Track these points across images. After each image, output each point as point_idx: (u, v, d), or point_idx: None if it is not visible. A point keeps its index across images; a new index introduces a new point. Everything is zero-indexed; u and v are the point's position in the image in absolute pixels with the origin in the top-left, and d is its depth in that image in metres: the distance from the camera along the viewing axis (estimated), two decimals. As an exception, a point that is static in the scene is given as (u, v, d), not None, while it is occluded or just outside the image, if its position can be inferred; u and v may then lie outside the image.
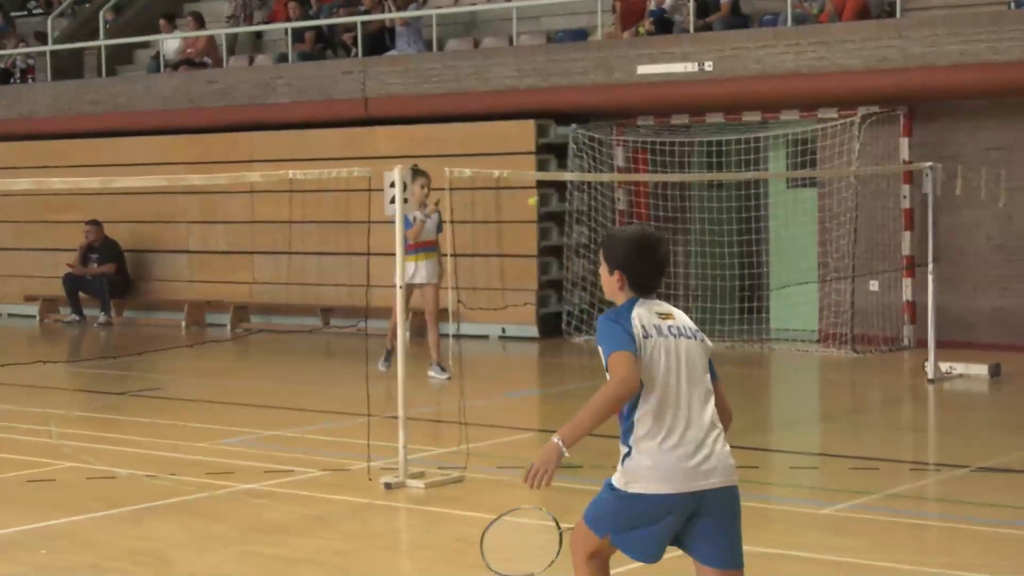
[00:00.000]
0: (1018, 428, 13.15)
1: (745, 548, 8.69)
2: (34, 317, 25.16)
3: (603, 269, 5.99)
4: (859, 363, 17.65)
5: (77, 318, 24.18)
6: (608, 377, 5.73)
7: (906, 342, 18.53)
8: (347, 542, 9.43)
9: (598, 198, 20.64)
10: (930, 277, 16.05)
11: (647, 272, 5.97)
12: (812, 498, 10.48)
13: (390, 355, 15.34)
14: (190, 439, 13.08)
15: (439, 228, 15.65)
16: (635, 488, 5.78)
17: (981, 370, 15.90)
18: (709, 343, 6.03)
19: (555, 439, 5.71)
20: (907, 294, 18.80)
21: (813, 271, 19.40)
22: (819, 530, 9.35)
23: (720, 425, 5.98)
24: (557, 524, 6.29)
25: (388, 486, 10.57)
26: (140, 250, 24.57)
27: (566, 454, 5.74)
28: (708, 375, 5.95)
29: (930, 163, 16.26)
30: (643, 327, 5.78)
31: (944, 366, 15.77)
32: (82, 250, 24.19)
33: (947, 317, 16.47)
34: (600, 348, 5.74)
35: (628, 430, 5.80)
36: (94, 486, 11.05)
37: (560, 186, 20.42)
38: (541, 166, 20.10)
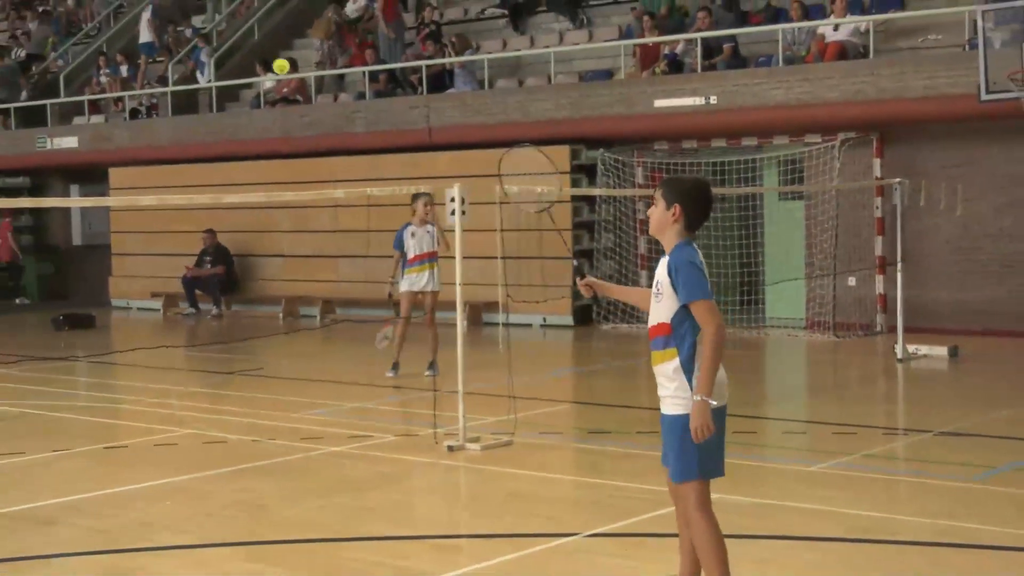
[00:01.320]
0: (974, 399, 13.09)
1: (744, 501, 8.75)
2: (158, 311, 25.33)
3: (659, 206, 5.97)
4: (839, 346, 17.59)
5: (193, 311, 24.31)
6: (696, 314, 5.77)
7: (879, 328, 18.45)
8: (416, 495, 9.47)
9: (622, 209, 20.66)
10: (899, 274, 16.11)
11: (700, 211, 6.02)
12: (801, 458, 10.44)
13: (397, 366, 15.12)
14: (286, 410, 13.14)
15: (436, 240, 15.03)
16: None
17: (942, 351, 15.88)
18: None
19: (699, 397, 5.68)
20: (879, 288, 18.72)
21: (800, 269, 19.36)
22: (807, 484, 9.31)
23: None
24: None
25: (450, 448, 10.58)
26: (244, 254, 24.65)
27: (713, 404, 5.71)
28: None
29: (899, 179, 16.24)
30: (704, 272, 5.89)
31: (911, 348, 15.74)
32: (198, 255, 24.35)
33: (913, 307, 16.41)
34: (683, 288, 5.81)
35: (688, 360, 5.77)
36: (208, 449, 11.11)
37: (590, 200, 20.41)
38: (574, 183, 20.01)
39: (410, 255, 15.01)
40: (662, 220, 5.97)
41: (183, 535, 8.29)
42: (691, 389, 5.72)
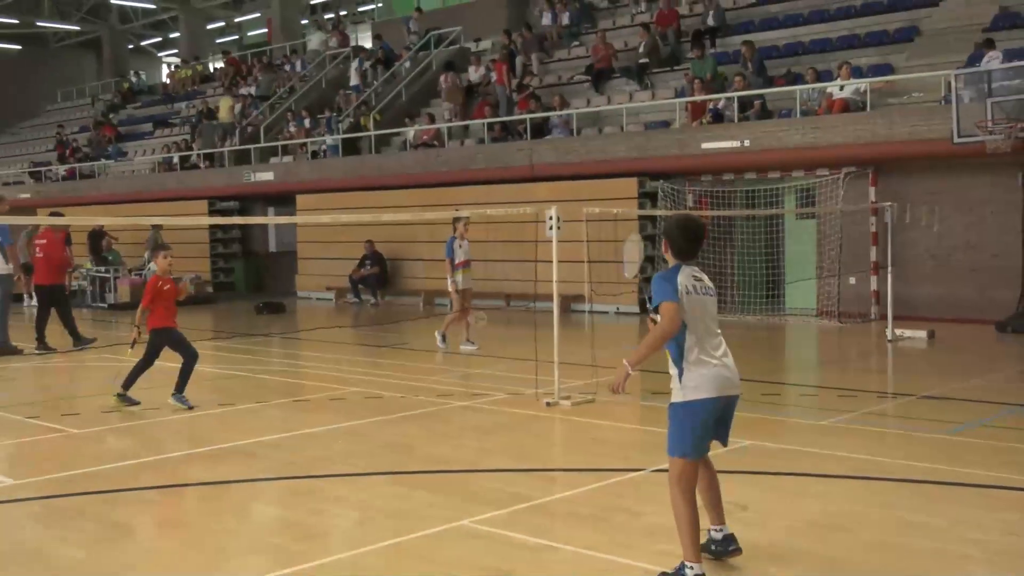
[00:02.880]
0: (947, 371, 12.86)
1: (771, 447, 8.63)
2: (331, 300, 25.63)
3: (663, 243, 5.81)
4: (843, 330, 17.30)
5: (357, 301, 24.52)
6: (658, 319, 5.48)
7: (873, 316, 18.10)
8: (523, 438, 9.45)
9: (677, 226, 20.47)
10: (888, 275, 15.96)
11: (683, 239, 5.69)
12: (813, 414, 10.28)
13: (445, 338, 15.47)
14: (425, 374, 13.22)
15: (467, 251, 15.44)
16: (698, 396, 5.51)
17: (922, 334, 15.63)
18: (716, 296, 5.79)
19: (624, 362, 5.59)
20: (873, 285, 18.39)
21: (813, 271, 19.10)
22: (819, 434, 9.18)
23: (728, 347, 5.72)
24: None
25: (548, 404, 10.59)
26: (394, 259, 24.83)
27: (631, 372, 5.60)
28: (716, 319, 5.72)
29: (889, 203, 16.13)
30: (685, 286, 5.51)
31: (898, 331, 15.49)
32: (361, 259, 24.57)
33: (899, 300, 16.12)
34: (654, 297, 5.51)
35: (679, 359, 5.53)
36: (368, 403, 11.20)
37: (652, 218, 20.27)
38: (640, 206, 19.97)
39: (457, 260, 15.26)
40: (665, 252, 5.79)
41: (350, 466, 8.38)
42: (680, 382, 5.53)
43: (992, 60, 16.96)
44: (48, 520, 7.05)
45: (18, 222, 20.18)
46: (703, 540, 5.66)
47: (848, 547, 6.06)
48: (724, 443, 5.81)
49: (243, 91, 33.87)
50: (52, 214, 17.42)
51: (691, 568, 5.35)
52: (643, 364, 5.56)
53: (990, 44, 17.64)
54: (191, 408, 10.80)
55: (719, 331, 5.67)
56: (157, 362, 11.08)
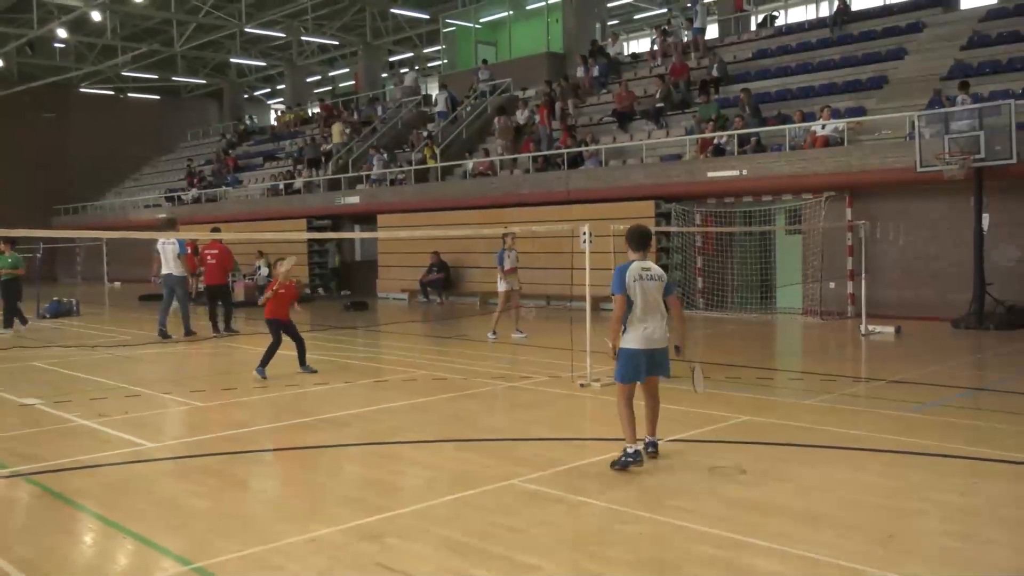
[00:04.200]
0: (912, 361, 12.63)
1: (764, 422, 8.53)
2: (405, 300, 25.73)
3: (626, 245, 7.06)
4: (824, 326, 17.06)
5: (426, 300, 24.59)
6: (614, 304, 6.83)
7: (849, 314, 17.84)
8: (559, 413, 9.44)
9: (686, 240, 20.32)
10: (862, 280, 15.71)
11: (637, 243, 6.98)
12: (800, 395, 10.16)
13: (495, 332, 15.67)
14: (481, 360, 13.21)
15: (515, 260, 15.75)
16: (630, 345, 6.87)
17: (890, 330, 15.35)
18: (665, 280, 6.96)
19: (607, 341, 7.04)
20: (849, 289, 18.12)
21: (799, 277, 18.85)
22: (805, 412, 9.06)
23: (665, 317, 6.92)
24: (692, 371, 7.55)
25: (582, 385, 10.56)
26: (456, 266, 24.88)
27: (610, 345, 7.00)
28: (662, 297, 6.90)
29: (863, 221, 15.92)
30: (633, 276, 6.80)
31: (870, 327, 15.26)
32: (428, 266, 24.65)
33: (871, 301, 15.98)
34: (612, 286, 6.80)
35: (625, 321, 6.87)
36: (435, 383, 11.24)
37: (668, 234, 20.17)
38: (657, 223, 19.82)
39: (506, 267, 15.55)
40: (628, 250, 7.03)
41: (420, 434, 8.41)
42: (623, 335, 6.89)
43: (965, 101, 16.80)
44: (179, 476, 7.15)
45: (190, 236, 20.67)
46: (641, 447, 6.97)
47: (826, 503, 6.00)
48: (663, 374, 7.05)
49: (333, 130, 34.17)
50: (213, 230, 18.78)
51: (631, 447, 6.81)
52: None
53: (965, 87, 17.41)
54: (315, 372, 11.95)
55: (660, 307, 6.84)
56: (264, 350, 11.21)
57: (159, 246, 16.81)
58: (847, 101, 20.26)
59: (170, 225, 17.86)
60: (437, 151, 27.44)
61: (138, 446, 8.07)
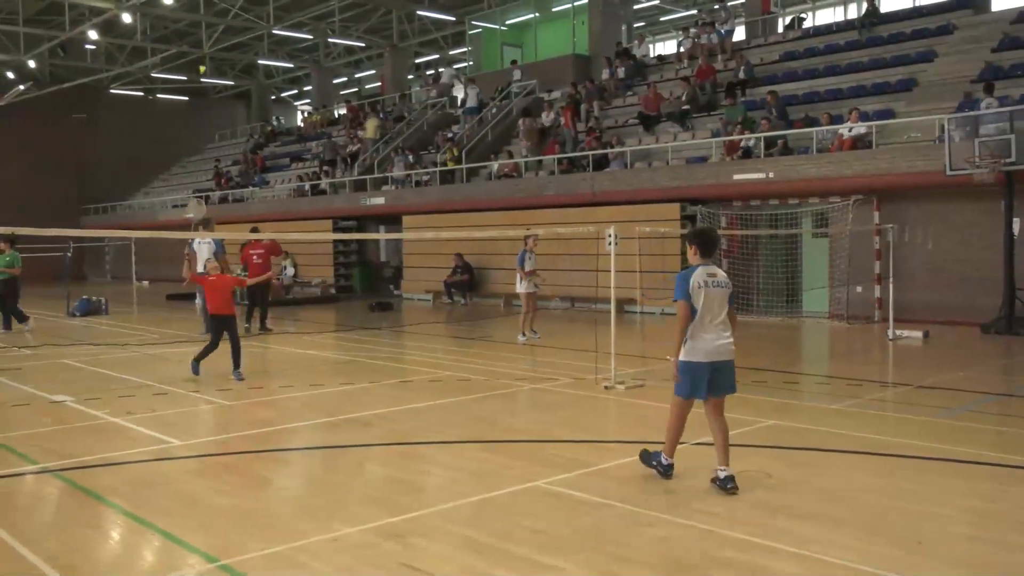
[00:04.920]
0: (939, 365, 12.53)
1: (789, 426, 8.49)
2: (429, 300, 25.81)
3: (689, 247, 6.46)
4: (850, 330, 16.95)
5: (450, 301, 24.66)
6: (678, 311, 6.34)
7: (876, 319, 17.72)
8: (583, 414, 9.42)
9: (712, 242, 20.24)
10: (890, 284, 15.59)
11: (705, 247, 6.40)
12: (827, 400, 10.06)
13: (524, 334, 15.59)
14: (505, 361, 13.22)
15: (535, 262, 15.83)
16: (691, 358, 6.33)
17: (918, 334, 15.22)
18: (730, 287, 6.42)
19: (670, 357, 6.56)
20: (877, 293, 17.99)
21: (826, 280, 18.74)
22: (831, 416, 8.99)
23: (730, 329, 6.36)
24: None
25: (605, 387, 10.55)
26: (480, 267, 24.93)
27: (668, 358, 6.66)
28: (727, 305, 6.36)
29: (891, 224, 15.81)
30: (697, 282, 6.26)
31: (897, 332, 15.15)
32: (453, 267, 24.70)
33: (898, 305, 15.76)
34: (674, 291, 6.34)
35: (688, 336, 6.32)
36: (458, 384, 11.26)
37: (692, 236, 20.11)
38: (682, 226, 19.75)
39: (527, 269, 15.64)
40: (690, 256, 6.46)
41: (444, 435, 8.43)
42: (684, 347, 6.35)
43: (990, 104, 16.62)
44: (205, 474, 7.21)
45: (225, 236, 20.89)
46: (712, 477, 6.43)
47: (852, 509, 5.96)
48: (730, 392, 6.47)
49: (361, 133, 34.35)
50: (252, 230, 19.16)
51: (666, 459, 6.61)
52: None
53: (990, 90, 17.24)
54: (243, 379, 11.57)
55: (725, 315, 6.32)
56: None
57: (195, 245, 17.04)
58: (875, 104, 20.10)
59: (206, 225, 18.15)
60: (456, 153, 27.51)
61: (165, 444, 8.14)
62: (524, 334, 15.59)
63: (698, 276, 6.25)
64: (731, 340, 6.35)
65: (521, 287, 15.73)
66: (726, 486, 6.24)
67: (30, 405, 10.10)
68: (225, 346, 11.82)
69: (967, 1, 23.12)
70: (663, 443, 6.72)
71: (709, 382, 6.31)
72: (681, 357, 6.33)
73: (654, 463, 6.67)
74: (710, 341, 6.26)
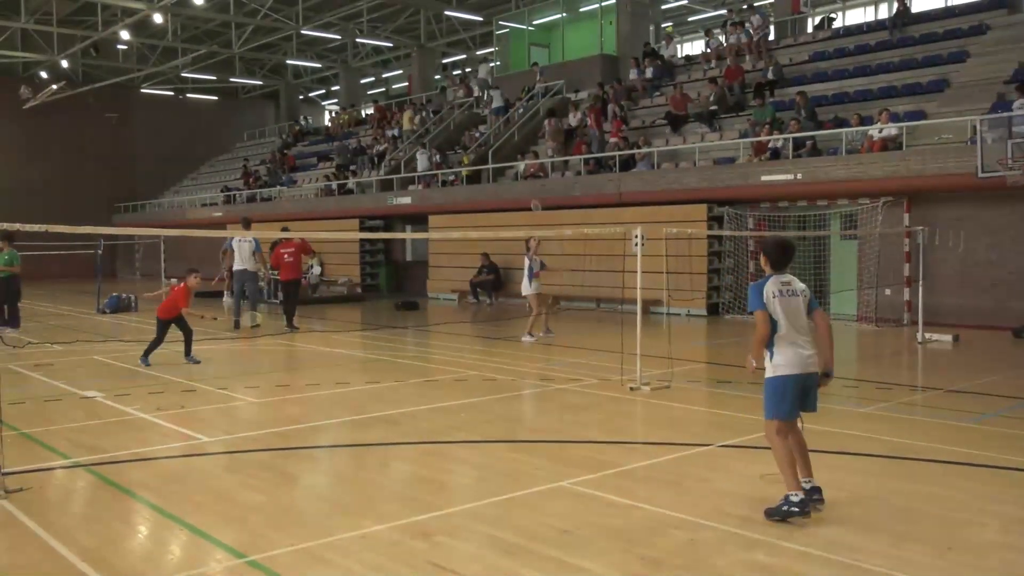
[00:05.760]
0: (970, 369, 12.38)
1: (819, 429, 8.45)
2: (455, 300, 25.84)
3: (762, 257, 6.09)
4: (879, 333, 16.79)
5: (476, 301, 24.67)
6: (757, 322, 5.87)
7: (905, 322, 17.54)
8: (609, 415, 9.40)
9: (739, 244, 20.13)
10: (919, 287, 15.43)
11: (778, 258, 6.00)
12: (855, 403, 9.98)
13: (531, 335, 15.74)
14: (530, 361, 13.19)
15: (543, 266, 16.10)
16: (780, 373, 5.84)
17: (948, 338, 15.04)
18: (809, 294, 6.01)
19: (750, 357, 5.99)
20: (906, 296, 17.80)
21: (854, 283, 18.56)
22: (860, 420, 8.92)
23: (812, 339, 5.95)
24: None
25: (631, 388, 10.51)
26: (506, 267, 24.89)
27: (755, 364, 5.97)
28: (807, 314, 5.93)
29: (920, 227, 15.64)
30: (771, 292, 5.86)
31: (927, 335, 14.98)
32: (479, 267, 24.72)
33: (928, 309, 15.64)
34: (749, 303, 5.94)
35: (771, 345, 5.83)
36: (485, 383, 11.26)
37: (719, 237, 20.00)
38: (709, 227, 19.69)
39: (535, 271, 15.92)
40: (763, 265, 6.10)
41: (471, 434, 8.45)
42: (771, 361, 5.87)
43: (1022, 105, 16.42)
44: (234, 470, 7.27)
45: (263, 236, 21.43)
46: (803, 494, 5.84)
47: (881, 513, 5.90)
48: (811, 410, 5.99)
49: (388, 132, 34.47)
50: (283, 230, 19.75)
51: (795, 495, 5.74)
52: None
53: (1022, 90, 17.01)
54: (199, 362, 12.93)
55: (807, 323, 5.93)
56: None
57: (234, 243, 17.84)
58: (906, 105, 19.90)
59: (246, 224, 18.76)
60: (470, 160, 27.60)
61: (194, 440, 8.22)
62: (531, 335, 15.64)
63: (771, 286, 5.88)
64: (815, 352, 5.91)
65: (529, 289, 15.83)
66: (812, 497, 5.87)
67: (62, 400, 10.23)
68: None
69: (1001, 1, 22.84)
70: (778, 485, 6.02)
71: (800, 398, 5.85)
72: (768, 374, 5.85)
73: (784, 508, 5.72)
74: (798, 351, 5.83)
